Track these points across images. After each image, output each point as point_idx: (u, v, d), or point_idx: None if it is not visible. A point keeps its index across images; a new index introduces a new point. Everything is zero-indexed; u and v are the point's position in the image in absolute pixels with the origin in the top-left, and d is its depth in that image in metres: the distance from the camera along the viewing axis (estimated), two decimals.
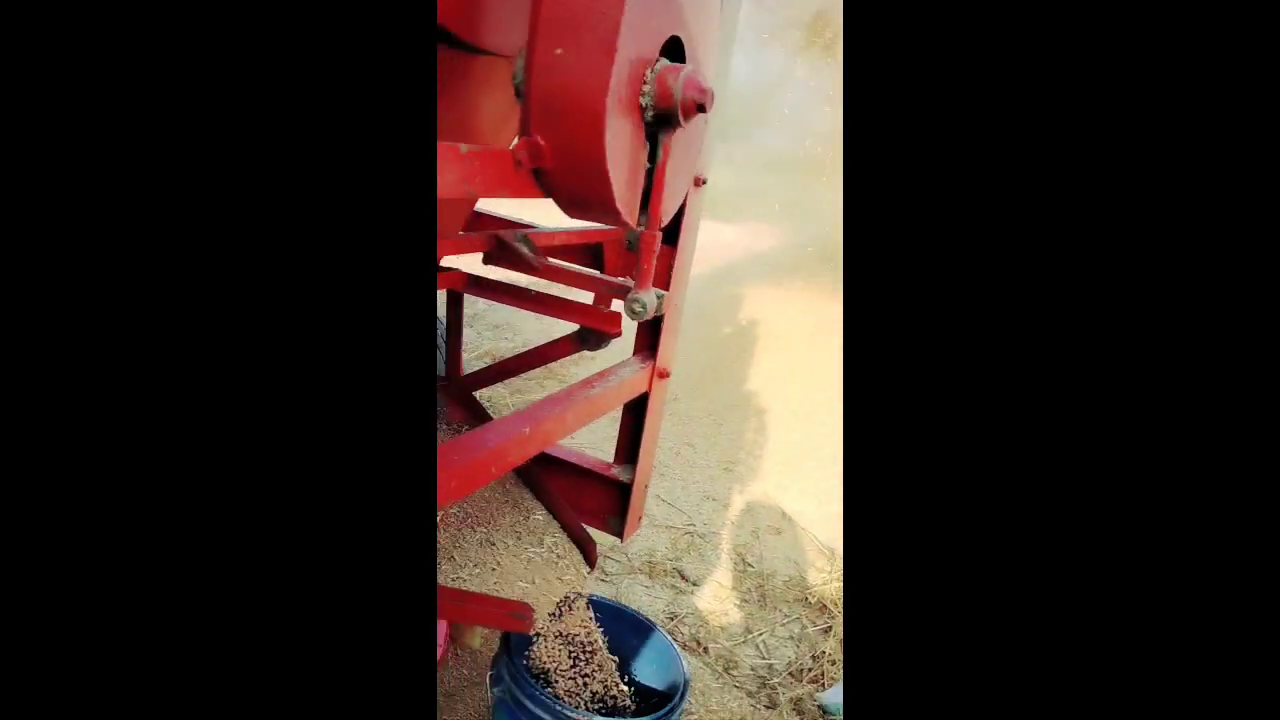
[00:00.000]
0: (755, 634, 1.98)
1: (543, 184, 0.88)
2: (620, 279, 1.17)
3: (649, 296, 1.00)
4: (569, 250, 1.44)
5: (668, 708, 1.16)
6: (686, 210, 1.33)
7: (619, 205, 0.88)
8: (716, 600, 2.10)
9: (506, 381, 3.44)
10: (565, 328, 1.53)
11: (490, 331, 4.45)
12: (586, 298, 1.49)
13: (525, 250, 1.13)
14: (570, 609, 1.25)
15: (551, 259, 1.20)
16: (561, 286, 1.34)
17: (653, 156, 0.95)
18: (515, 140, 0.84)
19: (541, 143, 0.83)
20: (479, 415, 1.76)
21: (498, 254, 1.18)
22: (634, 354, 1.51)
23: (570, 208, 0.91)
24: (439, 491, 0.95)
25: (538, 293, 1.50)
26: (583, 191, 0.86)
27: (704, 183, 1.35)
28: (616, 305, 1.39)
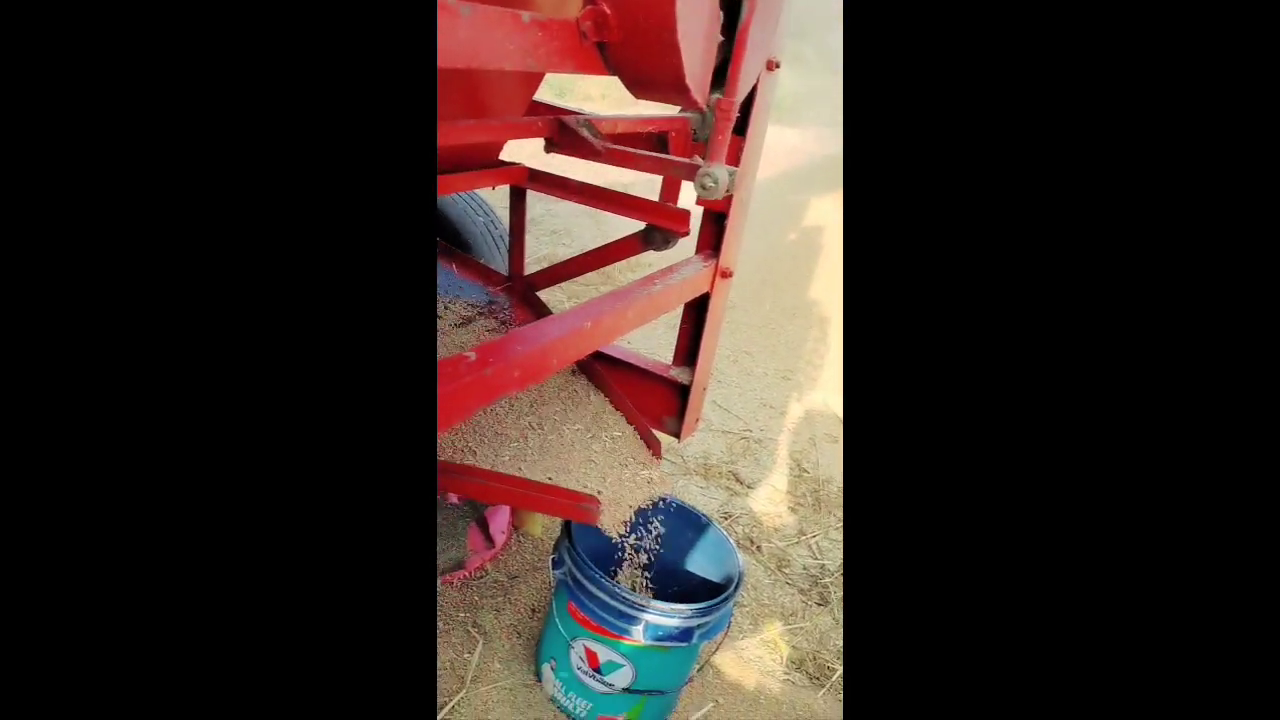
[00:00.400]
0: (808, 535, 2.01)
1: (608, 59, 0.83)
2: (688, 159, 1.11)
3: (721, 171, 0.95)
4: (631, 140, 1.38)
5: (722, 596, 1.20)
6: (758, 95, 1.26)
7: (690, 81, 0.82)
8: (771, 503, 2.13)
9: (564, 287, 3.44)
10: (627, 234, 1.50)
11: (548, 237, 4.43)
12: (651, 196, 1.45)
13: (588, 134, 1.09)
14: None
15: (616, 145, 1.15)
16: (626, 181, 1.30)
17: (726, 30, 0.89)
18: (580, 10, 0.79)
19: (607, 11, 0.78)
20: (542, 314, 1.77)
21: (559, 139, 1.14)
22: (696, 252, 1.47)
23: (636, 86, 0.86)
24: (501, 381, 0.96)
25: (601, 188, 1.46)
26: (651, 67, 0.81)
27: (777, 66, 1.27)
28: (685, 202, 1.35)
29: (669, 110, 1.47)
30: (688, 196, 1.22)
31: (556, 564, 1.26)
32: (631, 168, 1.15)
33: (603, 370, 1.59)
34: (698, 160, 1.08)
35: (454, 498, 1.86)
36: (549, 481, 1.20)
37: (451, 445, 1.26)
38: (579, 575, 1.20)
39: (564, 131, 1.15)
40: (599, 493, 1.21)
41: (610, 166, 1.21)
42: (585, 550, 1.23)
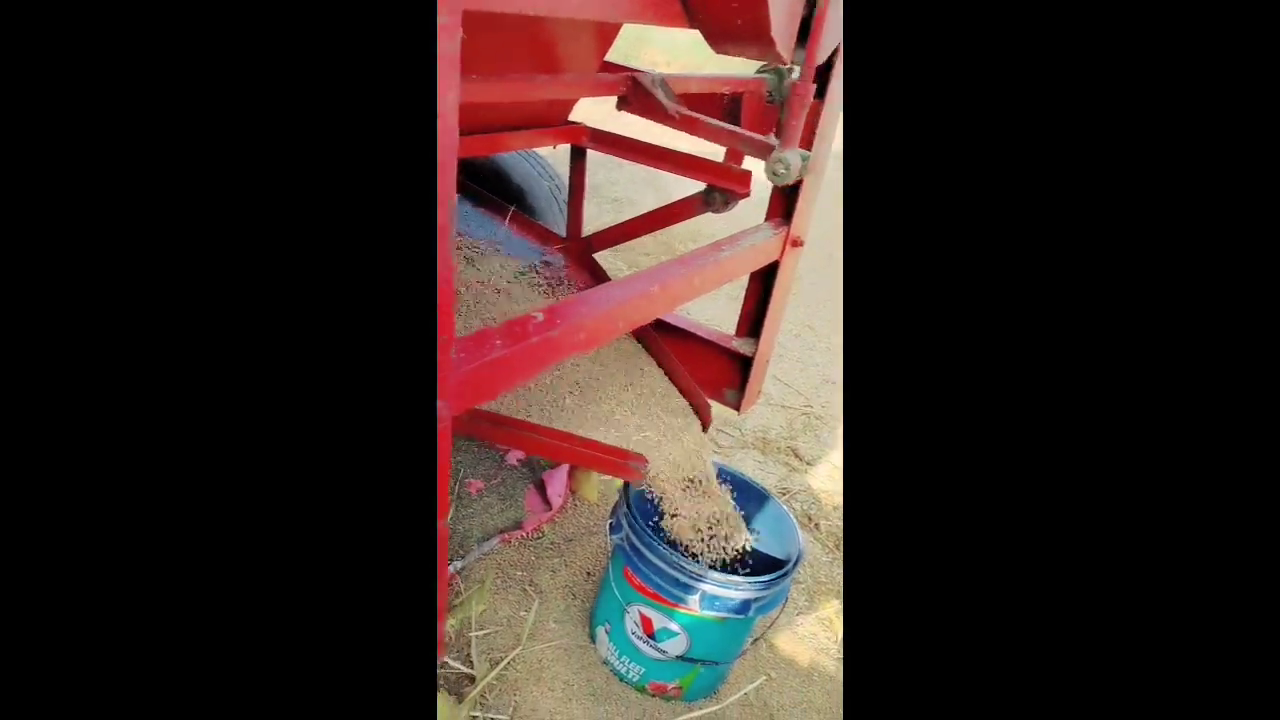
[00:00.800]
0: None
1: (689, 9, 0.79)
2: (761, 136, 1.07)
3: (794, 156, 0.91)
4: (703, 103, 1.34)
5: (782, 571, 1.18)
6: (839, 56, 1.20)
7: (774, 33, 0.78)
8: (830, 480, 2.08)
9: (623, 256, 3.42)
10: (687, 195, 1.46)
11: (609, 205, 4.41)
12: (715, 158, 1.41)
13: (661, 95, 1.06)
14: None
15: (688, 110, 1.12)
16: (689, 143, 1.26)
17: None
18: None
19: None
20: (599, 278, 1.76)
21: (632, 98, 1.11)
22: (766, 219, 1.43)
23: (718, 39, 0.82)
24: (567, 342, 0.95)
25: (663, 148, 1.43)
26: (734, 17, 0.77)
27: None
28: (749, 163, 1.30)
29: (743, 70, 1.42)
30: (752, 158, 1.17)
31: (614, 529, 1.27)
32: (702, 137, 1.11)
33: (661, 339, 1.57)
34: (772, 140, 1.03)
35: (513, 459, 1.88)
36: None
37: (506, 405, 1.27)
38: (636, 541, 1.20)
39: (637, 90, 1.12)
40: (647, 453, 1.20)
41: (674, 132, 1.18)
42: (644, 516, 1.23)
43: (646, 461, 1.15)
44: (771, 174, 0.94)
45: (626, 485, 1.26)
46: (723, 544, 1.23)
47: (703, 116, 1.08)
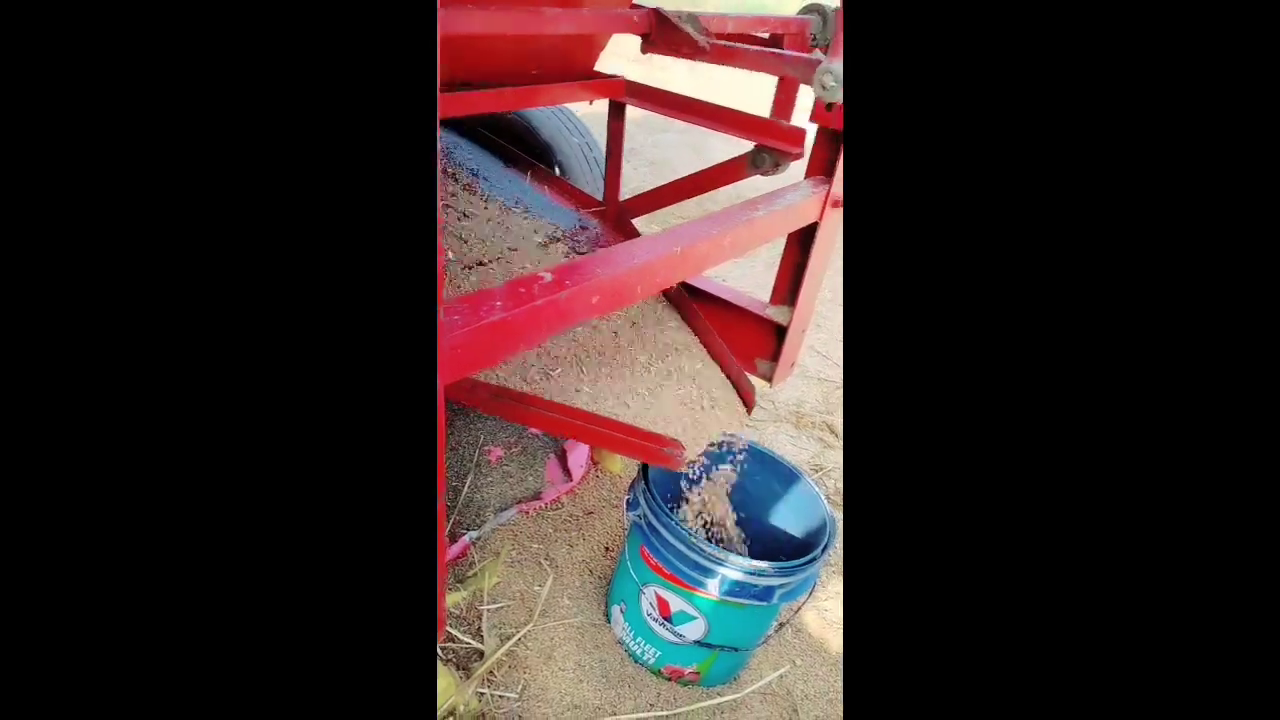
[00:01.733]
0: None
1: None
2: (805, 54, 0.96)
3: (842, 68, 0.80)
4: (743, 41, 1.22)
5: (808, 557, 1.10)
6: None
7: None
8: None
9: (662, 221, 3.31)
10: (732, 157, 1.36)
11: (647, 168, 4.28)
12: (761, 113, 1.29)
13: (690, 29, 0.95)
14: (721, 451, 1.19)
15: (722, 40, 1.01)
16: (733, 93, 1.16)
17: None
18: None
19: None
20: None
21: (658, 35, 1.00)
22: (806, 176, 1.31)
23: None
24: (578, 306, 0.87)
25: (706, 103, 1.32)
26: None
27: None
28: (800, 121, 1.19)
29: (782, 10, 1.29)
30: (802, 115, 1.06)
31: (631, 505, 1.20)
32: (739, 65, 1.01)
33: (695, 305, 1.48)
34: (817, 55, 0.92)
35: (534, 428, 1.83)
36: (630, 421, 1.12)
37: (523, 374, 1.20)
38: (654, 520, 1.13)
39: (663, 26, 1.01)
40: (680, 435, 1.12)
41: (716, 90, 1.07)
42: (662, 493, 1.16)
43: (683, 449, 1.07)
44: (820, 87, 0.83)
45: (644, 465, 1.19)
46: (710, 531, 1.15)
47: (740, 44, 0.97)
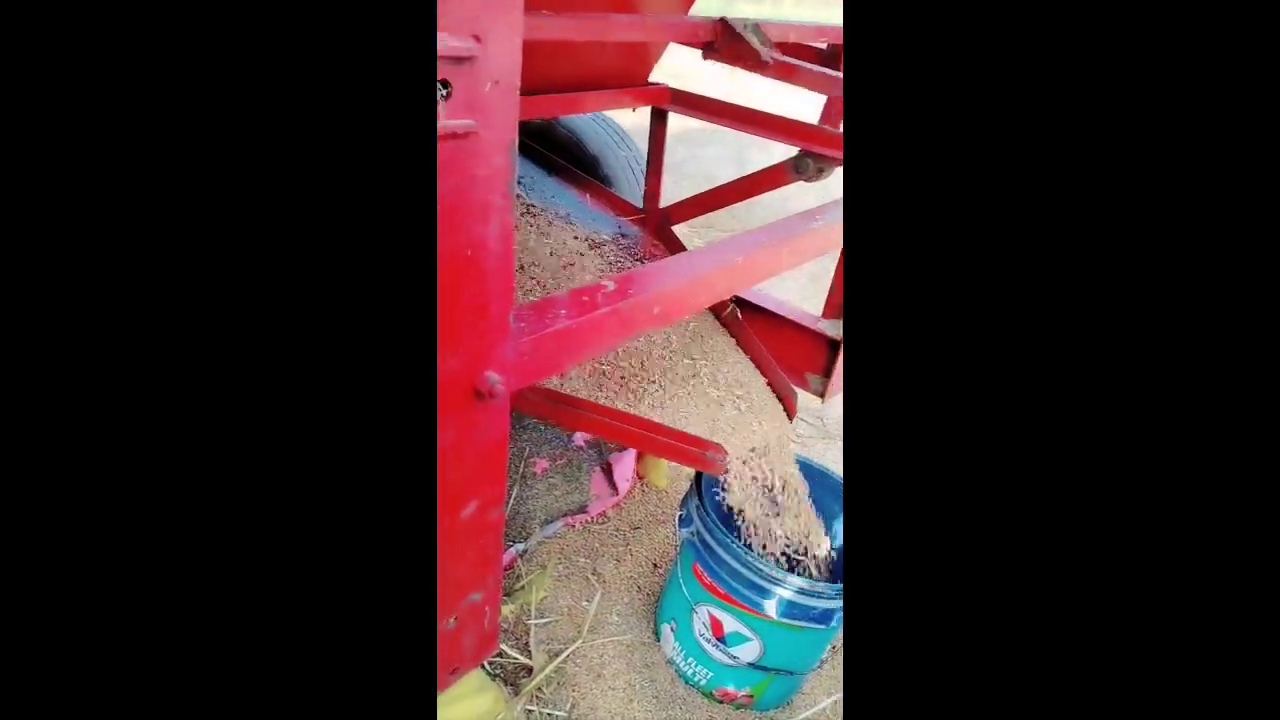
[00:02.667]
0: None
1: None
2: None
3: None
4: (799, 56, 1.21)
5: None
6: None
7: None
8: None
9: (701, 233, 3.30)
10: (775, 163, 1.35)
11: (688, 181, 4.28)
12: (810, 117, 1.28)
13: (755, 41, 0.94)
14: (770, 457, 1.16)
15: (784, 57, 1.00)
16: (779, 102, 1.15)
17: None
18: None
19: None
20: (675, 249, 1.66)
21: (722, 45, 1.00)
22: None
23: None
24: (639, 316, 0.87)
25: (753, 110, 1.31)
26: None
27: None
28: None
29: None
30: None
31: (684, 521, 1.18)
32: (798, 83, 0.99)
33: (743, 317, 1.46)
34: None
35: (580, 440, 1.82)
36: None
37: (569, 383, 1.19)
38: (708, 537, 1.10)
39: (727, 35, 1.00)
40: (725, 442, 1.10)
41: (752, 98, 1.06)
42: (716, 510, 1.13)
43: (725, 453, 1.05)
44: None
45: (699, 474, 1.17)
46: (801, 557, 1.12)
47: (802, 63, 0.95)
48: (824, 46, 1.24)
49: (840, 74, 1.04)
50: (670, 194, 1.64)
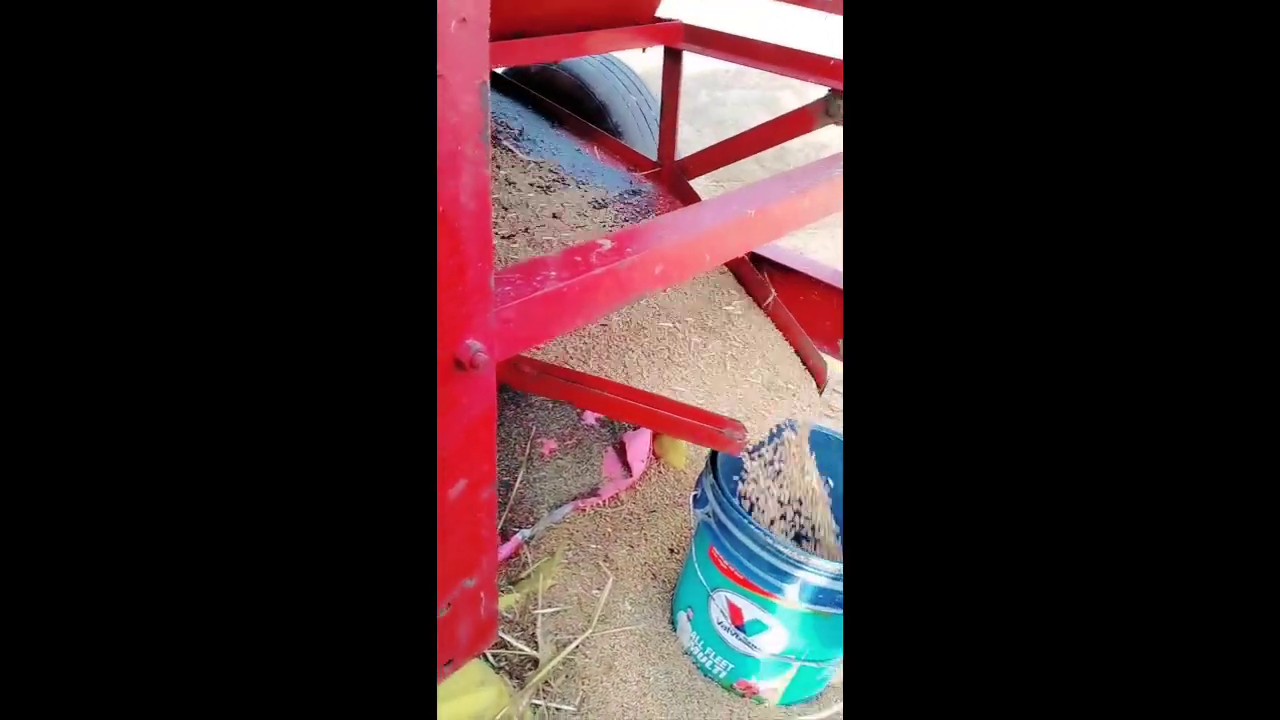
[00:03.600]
0: None
1: None
2: None
3: None
4: None
5: None
6: None
7: None
8: None
9: (724, 183, 3.28)
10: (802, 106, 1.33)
11: (712, 129, 4.24)
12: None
13: None
14: (786, 440, 1.17)
15: None
16: (803, 34, 1.13)
17: None
18: None
19: None
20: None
21: None
22: None
23: None
24: (640, 276, 0.87)
25: (776, 46, 1.30)
26: None
27: None
28: None
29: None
30: None
31: (699, 502, 1.19)
32: (813, 5, 0.97)
33: (766, 276, 1.46)
34: None
35: (591, 418, 1.84)
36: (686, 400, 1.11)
37: (572, 352, 1.20)
38: (724, 518, 1.12)
39: None
40: (747, 419, 1.10)
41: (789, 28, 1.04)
42: (733, 488, 1.14)
43: (745, 430, 1.06)
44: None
45: (714, 451, 1.18)
46: (799, 520, 1.13)
47: None
48: None
49: None
50: (691, 144, 1.63)
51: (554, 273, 0.78)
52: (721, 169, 1.61)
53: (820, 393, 1.28)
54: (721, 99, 4.66)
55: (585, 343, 1.24)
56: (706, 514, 1.17)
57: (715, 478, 1.15)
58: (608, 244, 0.85)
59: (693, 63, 1.55)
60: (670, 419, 1.10)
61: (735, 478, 1.19)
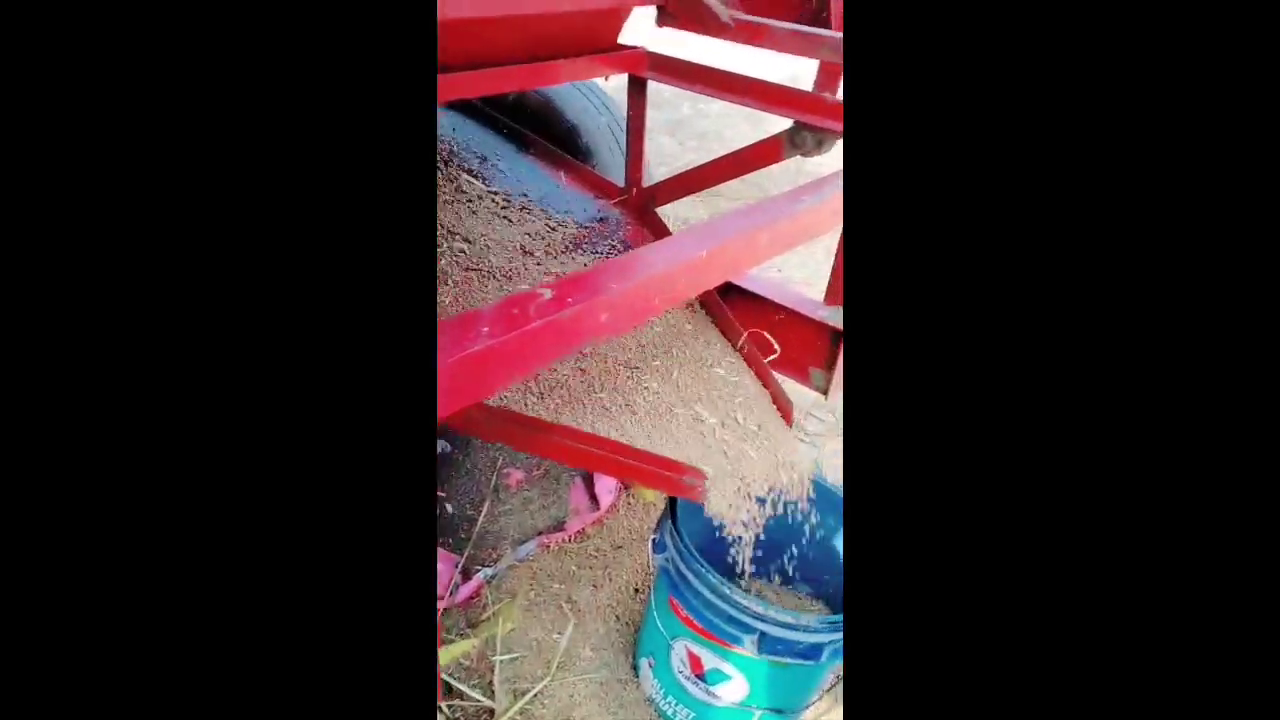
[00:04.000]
0: None
1: None
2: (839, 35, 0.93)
3: None
4: (778, 11, 1.19)
5: None
6: None
7: None
8: None
9: (708, 202, 3.28)
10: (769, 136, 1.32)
11: (694, 141, 4.25)
12: (804, 84, 1.25)
13: (712, 1, 0.93)
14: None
15: (749, 16, 0.98)
16: (770, 65, 1.13)
17: None
18: None
19: None
20: (661, 235, 1.65)
21: (673, 8, 0.98)
22: None
23: None
24: (583, 325, 0.86)
25: (739, 76, 1.29)
26: None
27: None
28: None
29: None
30: None
31: (658, 547, 1.18)
32: (766, 46, 0.97)
33: (730, 304, 1.45)
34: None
35: None
36: (645, 447, 1.10)
37: (523, 393, 1.19)
38: (682, 566, 1.11)
39: None
40: (707, 468, 1.09)
41: (756, 65, 1.04)
42: (693, 534, 1.13)
43: (704, 476, 1.05)
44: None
45: (672, 499, 1.17)
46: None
47: (771, 21, 0.93)
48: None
49: (821, 31, 1.02)
50: (674, 156, 1.62)
51: (487, 328, 0.77)
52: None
53: (788, 424, 1.28)
54: (704, 110, 4.67)
55: (542, 384, 1.23)
56: (666, 559, 1.16)
57: (674, 524, 1.14)
58: (548, 293, 0.84)
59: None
60: (628, 465, 1.09)
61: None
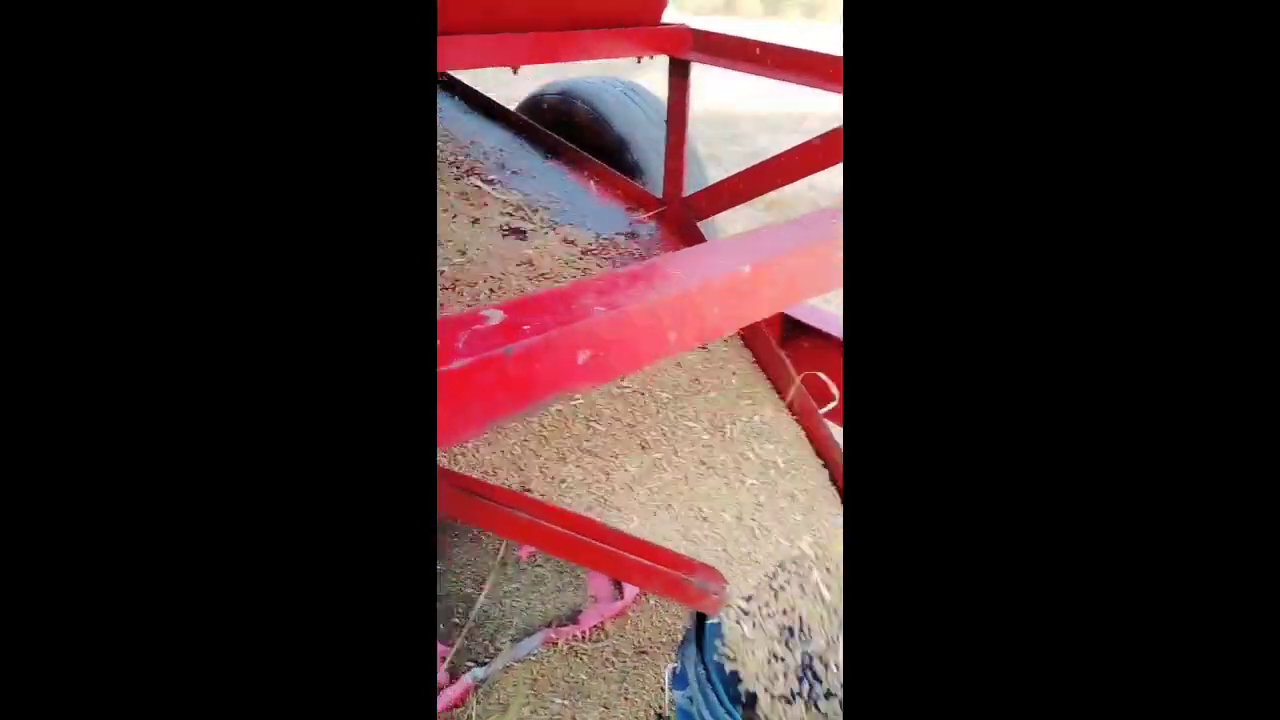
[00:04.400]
0: None
1: None
2: None
3: None
4: None
5: None
6: None
7: None
8: None
9: (756, 215, 3.01)
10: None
11: (743, 163, 4.00)
12: None
13: None
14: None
15: None
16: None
17: None
18: None
19: None
20: None
21: None
22: None
23: None
24: (556, 371, 0.59)
25: (801, 51, 1.04)
26: None
27: None
28: None
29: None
30: None
31: (678, 681, 0.88)
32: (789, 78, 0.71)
33: (777, 340, 1.17)
34: None
35: None
36: (652, 538, 0.82)
37: (497, 460, 0.93)
38: (705, 712, 0.81)
39: None
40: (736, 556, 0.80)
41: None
42: (720, 669, 0.83)
43: (723, 581, 0.76)
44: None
45: (699, 615, 0.87)
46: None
47: None
48: None
49: None
50: (737, 159, 1.38)
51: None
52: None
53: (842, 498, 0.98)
54: (767, 120, 4.42)
55: (527, 447, 0.96)
56: (687, 699, 0.86)
57: (700, 653, 0.84)
58: (496, 316, 0.57)
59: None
60: (625, 560, 0.80)
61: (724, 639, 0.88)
